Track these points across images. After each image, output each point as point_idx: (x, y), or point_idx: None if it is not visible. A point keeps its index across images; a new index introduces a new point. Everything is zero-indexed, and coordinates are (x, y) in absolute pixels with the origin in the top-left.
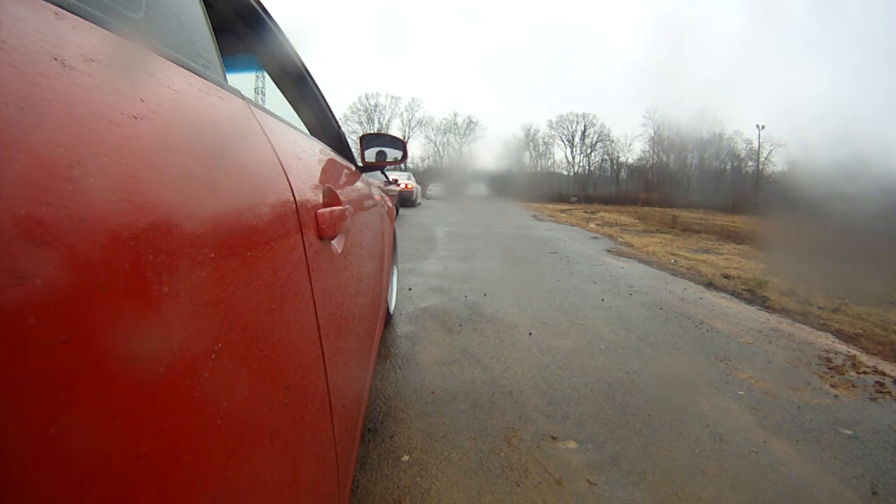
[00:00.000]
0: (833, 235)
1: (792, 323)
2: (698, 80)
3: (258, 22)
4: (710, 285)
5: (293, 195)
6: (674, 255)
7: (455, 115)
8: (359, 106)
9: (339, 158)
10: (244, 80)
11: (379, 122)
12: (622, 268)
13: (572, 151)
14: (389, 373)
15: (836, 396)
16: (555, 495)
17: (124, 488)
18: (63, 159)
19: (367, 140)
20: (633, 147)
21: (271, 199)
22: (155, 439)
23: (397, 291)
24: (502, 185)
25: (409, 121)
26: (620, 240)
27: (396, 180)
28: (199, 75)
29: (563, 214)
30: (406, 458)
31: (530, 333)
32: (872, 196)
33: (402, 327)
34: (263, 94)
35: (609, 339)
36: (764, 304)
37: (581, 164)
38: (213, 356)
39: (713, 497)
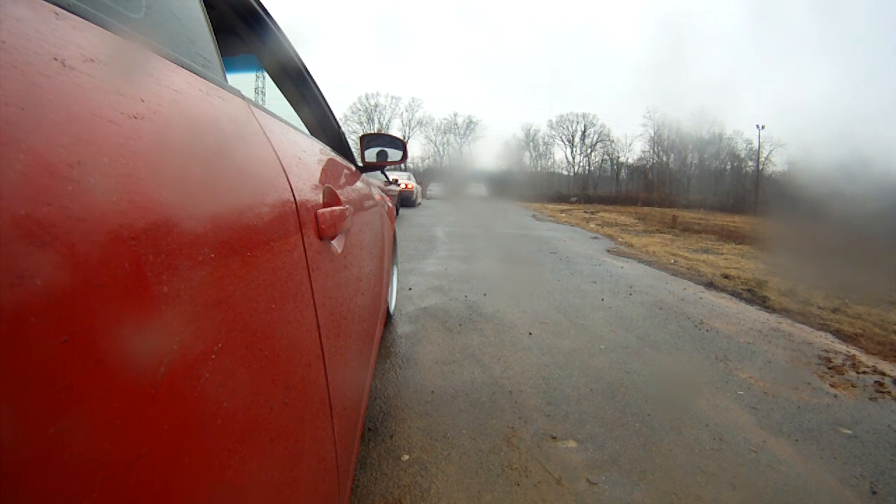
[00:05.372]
0: (833, 235)
1: (792, 323)
2: (698, 80)
3: (258, 22)
4: (709, 285)
5: (293, 195)
6: (674, 255)
7: (455, 115)
8: (359, 106)
9: (339, 158)
10: (244, 80)
11: (379, 122)
12: (622, 268)
13: (572, 151)
14: (390, 372)
15: (835, 396)
16: (555, 494)
17: (124, 488)
18: (63, 159)
19: (367, 140)
20: (633, 147)
21: (271, 199)
22: (155, 439)
23: (397, 291)
24: (502, 186)
25: (409, 121)
26: (620, 240)
27: (396, 180)
28: (199, 75)
29: (563, 214)
30: (406, 457)
31: (530, 333)
32: (872, 196)
33: (402, 327)
34: (263, 94)
35: (609, 339)
36: (764, 304)
37: (581, 164)
38: (213, 356)
39: (712, 496)
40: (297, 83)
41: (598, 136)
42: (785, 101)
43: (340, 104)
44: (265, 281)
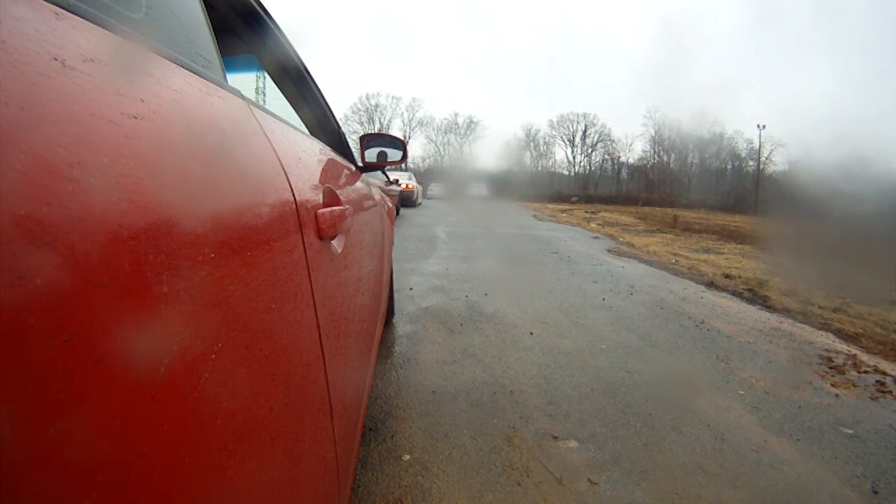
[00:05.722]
0: (833, 234)
1: (793, 322)
2: (699, 80)
3: (258, 22)
4: (710, 285)
5: (293, 195)
6: (674, 254)
7: (456, 114)
8: (359, 106)
9: (339, 158)
10: (244, 80)
11: (380, 122)
12: (623, 267)
13: (573, 151)
14: (390, 372)
15: (836, 396)
16: (556, 494)
17: (124, 488)
18: (63, 159)
19: (367, 140)
20: (633, 147)
21: (271, 199)
22: (155, 439)
23: (395, 291)
24: (503, 185)
25: (410, 121)
26: (621, 239)
27: (397, 180)
28: (199, 75)
29: (564, 214)
30: (407, 457)
31: (531, 333)
32: (872, 195)
33: (403, 327)
34: (263, 94)
35: (610, 339)
36: (765, 303)
37: (582, 163)
38: (213, 356)
39: (714, 496)
40: (297, 83)
41: (599, 136)
42: (785, 100)
43: (340, 104)
44: (265, 281)
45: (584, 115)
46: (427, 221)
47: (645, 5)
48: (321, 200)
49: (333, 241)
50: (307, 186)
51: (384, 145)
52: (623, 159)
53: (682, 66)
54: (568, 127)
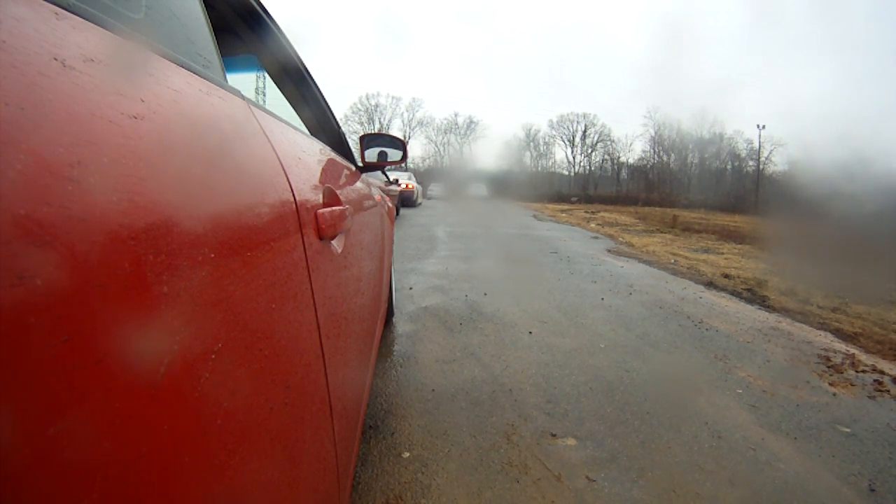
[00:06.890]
0: (833, 235)
1: (791, 322)
2: (699, 80)
3: (258, 22)
4: (709, 285)
5: (293, 195)
6: (674, 254)
7: (456, 115)
8: (359, 106)
9: (339, 158)
10: (244, 80)
11: (380, 122)
12: (622, 267)
13: (573, 151)
14: (390, 371)
15: (834, 395)
16: (554, 491)
17: (124, 488)
18: (63, 159)
19: (367, 140)
20: (633, 147)
21: (271, 199)
22: (155, 439)
23: (395, 290)
24: (503, 186)
25: (410, 121)
26: (621, 239)
27: (397, 180)
28: (199, 75)
29: (564, 214)
30: (407, 454)
31: (530, 332)
32: (872, 196)
33: (402, 326)
34: (263, 94)
35: (608, 338)
36: (763, 303)
37: (582, 163)
38: (213, 356)
39: (711, 493)
40: (297, 83)
41: (599, 136)
42: (785, 100)
43: (340, 104)
44: (265, 281)
45: (584, 116)
46: (427, 221)
47: (645, 5)
48: (321, 200)
49: (333, 241)
50: (307, 186)
51: (384, 145)
52: (623, 159)
53: (683, 66)
54: (568, 127)
